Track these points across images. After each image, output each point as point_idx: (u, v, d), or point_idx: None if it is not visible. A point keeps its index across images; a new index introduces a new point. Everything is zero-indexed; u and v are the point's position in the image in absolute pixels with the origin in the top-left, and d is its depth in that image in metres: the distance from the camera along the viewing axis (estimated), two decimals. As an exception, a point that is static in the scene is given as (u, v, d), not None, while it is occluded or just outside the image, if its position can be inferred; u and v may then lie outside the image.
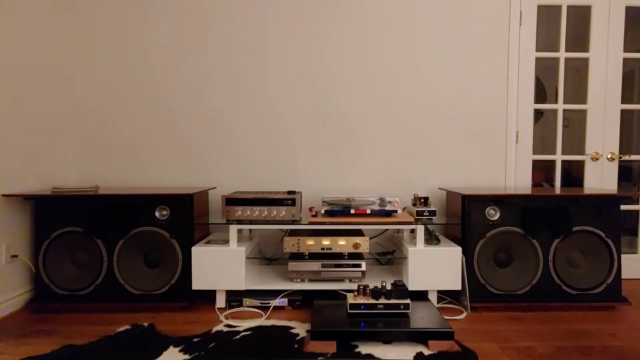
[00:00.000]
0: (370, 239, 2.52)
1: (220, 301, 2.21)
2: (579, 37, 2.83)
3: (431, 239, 2.26)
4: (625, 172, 3.22)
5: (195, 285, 2.17)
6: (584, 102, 2.74)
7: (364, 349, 1.71)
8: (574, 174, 3.19)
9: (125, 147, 2.72)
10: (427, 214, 2.24)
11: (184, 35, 2.68)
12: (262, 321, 2.02)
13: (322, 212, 2.26)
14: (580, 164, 2.79)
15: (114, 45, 2.68)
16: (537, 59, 2.71)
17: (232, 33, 2.68)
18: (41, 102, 2.44)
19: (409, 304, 1.85)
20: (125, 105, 2.70)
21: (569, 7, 2.70)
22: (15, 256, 2.22)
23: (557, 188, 2.65)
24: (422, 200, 2.31)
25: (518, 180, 2.74)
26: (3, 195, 2.12)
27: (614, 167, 2.73)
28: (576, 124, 3.13)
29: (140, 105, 2.70)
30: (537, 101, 2.73)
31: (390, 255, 2.64)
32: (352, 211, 2.23)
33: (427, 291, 2.21)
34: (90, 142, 2.72)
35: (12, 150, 2.22)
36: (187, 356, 1.65)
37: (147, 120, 2.71)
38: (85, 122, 2.71)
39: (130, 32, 2.67)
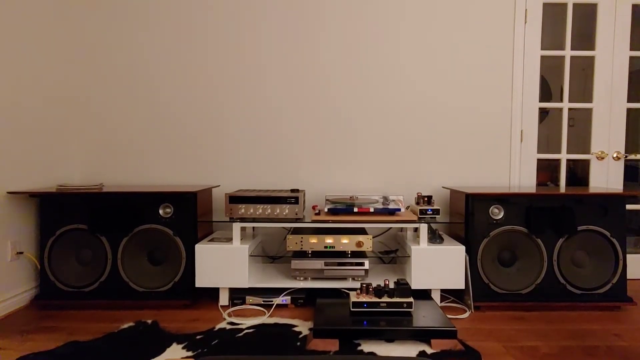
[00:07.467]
0: (373, 237, 2.51)
1: (223, 299, 2.22)
2: (585, 36, 2.81)
3: (434, 237, 2.25)
4: (631, 171, 3.20)
5: (199, 283, 2.17)
6: (590, 100, 2.72)
7: (366, 347, 1.71)
8: (579, 173, 3.17)
9: (130, 146, 2.73)
10: (431, 212, 2.23)
11: (186, 36, 2.68)
12: (265, 319, 2.03)
13: (326, 210, 2.26)
14: (586, 163, 2.77)
15: (118, 46, 2.69)
16: (543, 58, 2.69)
17: (233, 33, 2.68)
18: (46, 101, 2.45)
19: (412, 302, 1.84)
20: (129, 104, 2.72)
21: (575, 5, 2.68)
22: (21, 253, 2.24)
23: (562, 187, 2.64)
24: (426, 198, 2.31)
25: (522, 179, 2.73)
26: (8, 192, 2.13)
27: (620, 166, 2.71)
28: (581, 123, 3.11)
29: (145, 104, 2.72)
30: (542, 100, 2.71)
31: (393, 254, 2.64)
32: (355, 209, 2.22)
33: (430, 290, 2.21)
34: (95, 140, 2.73)
35: (18, 148, 2.23)
36: (190, 353, 1.66)
37: (152, 119, 2.72)
38: (90, 120, 2.72)
39: (133, 34, 2.68)
